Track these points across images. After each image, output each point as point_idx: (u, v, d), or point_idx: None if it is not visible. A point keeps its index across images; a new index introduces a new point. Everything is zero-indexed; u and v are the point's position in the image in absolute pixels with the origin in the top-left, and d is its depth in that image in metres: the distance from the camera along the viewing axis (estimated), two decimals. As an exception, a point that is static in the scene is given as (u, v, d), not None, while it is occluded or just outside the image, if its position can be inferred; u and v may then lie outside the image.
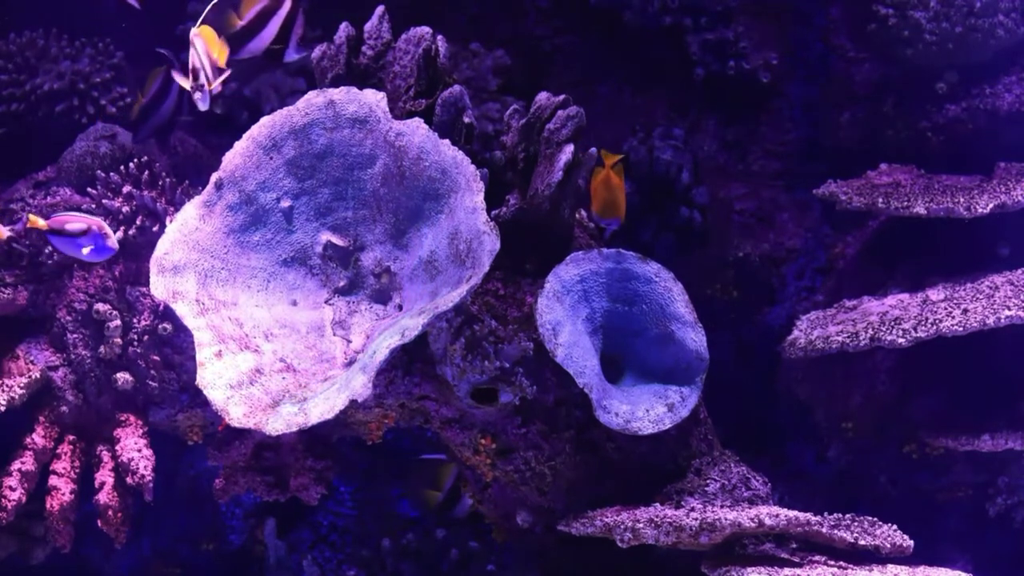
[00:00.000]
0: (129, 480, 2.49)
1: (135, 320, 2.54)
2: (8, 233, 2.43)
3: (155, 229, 2.52)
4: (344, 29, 2.48)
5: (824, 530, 2.18)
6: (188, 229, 2.33)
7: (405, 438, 2.92)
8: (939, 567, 2.17)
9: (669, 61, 3.08)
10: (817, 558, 2.23)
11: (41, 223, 2.27)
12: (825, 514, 2.31)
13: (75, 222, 2.27)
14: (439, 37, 2.43)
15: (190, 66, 2.25)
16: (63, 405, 2.56)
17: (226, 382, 2.20)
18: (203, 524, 2.89)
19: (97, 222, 2.27)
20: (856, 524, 2.28)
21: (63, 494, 2.51)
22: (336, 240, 2.38)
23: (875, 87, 3.02)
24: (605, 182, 2.46)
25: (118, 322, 2.53)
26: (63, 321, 2.56)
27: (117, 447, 2.52)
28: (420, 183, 2.28)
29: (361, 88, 2.37)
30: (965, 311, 2.47)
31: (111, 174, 2.60)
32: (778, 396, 3.00)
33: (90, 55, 2.83)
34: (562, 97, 2.39)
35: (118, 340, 2.53)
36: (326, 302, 2.37)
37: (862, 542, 2.19)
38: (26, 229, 2.35)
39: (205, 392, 2.20)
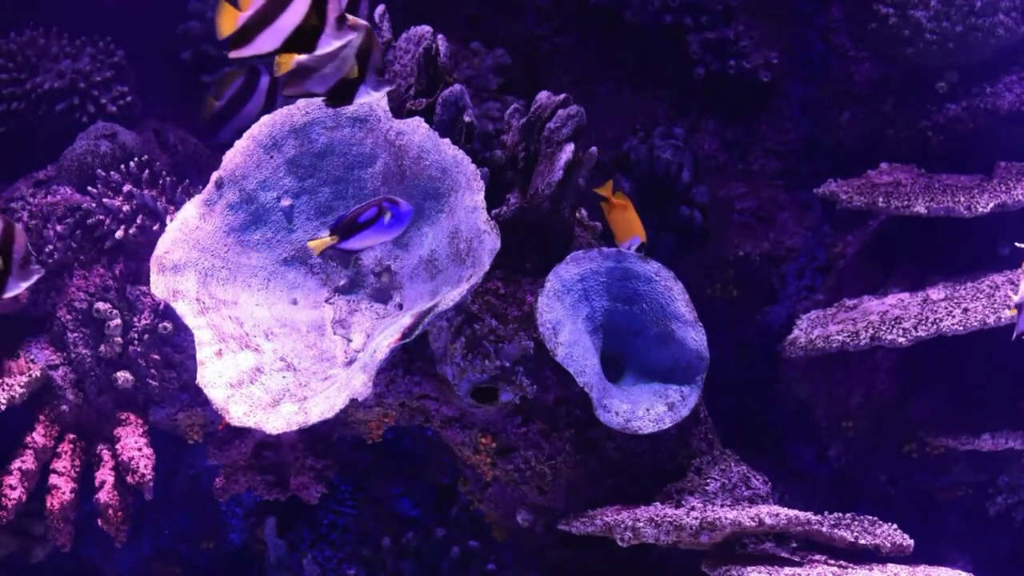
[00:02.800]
0: (129, 479, 2.49)
1: (135, 319, 2.54)
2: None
3: (155, 228, 2.52)
4: (345, 28, 2.47)
5: (824, 529, 2.19)
6: (188, 228, 2.33)
7: (405, 437, 2.92)
8: (939, 567, 2.17)
9: (669, 60, 3.08)
10: (817, 557, 2.23)
11: (331, 240, 2.10)
12: (825, 513, 2.31)
13: (363, 212, 2.10)
14: (439, 36, 2.43)
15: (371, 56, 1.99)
16: (63, 404, 2.56)
17: (226, 381, 2.20)
18: (203, 523, 2.89)
19: (377, 201, 2.11)
20: (856, 523, 2.28)
21: (63, 493, 2.51)
22: (336, 239, 2.37)
23: (875, 86, 3.02)
24: (614, 210, 2.47)
25: (118, 321, 2.53)
26: (63, 320, 2.56)
27: (117, 446, 2.52)
28: (420, 182, 2.28)
29: (361, 87, 2.37)
30: (965, 310, 2.47)
31: (111, 173, 2.60)
32: (778, 396, 3.00)
33: (90, 54, 2.82)
34: (562, 96, 2.39)
35: (118, 339, 2.53)
36: (326, 301, 2.37)
37: (862, 541, 2.19)
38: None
39: (205, 391, 2.20)
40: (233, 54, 1.87)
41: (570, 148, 2.33)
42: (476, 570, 2.62)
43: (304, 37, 1.86)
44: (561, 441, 2.37)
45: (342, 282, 2.38)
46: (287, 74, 1.99)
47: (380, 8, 2.50)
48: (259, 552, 2.85)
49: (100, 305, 2.53)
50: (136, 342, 2.53)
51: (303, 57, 1.97)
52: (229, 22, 1.85)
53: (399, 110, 2.40)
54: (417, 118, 2.30)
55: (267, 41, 1.86)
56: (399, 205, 2.11)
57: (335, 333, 2.33)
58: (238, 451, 2.49)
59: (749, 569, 2.11)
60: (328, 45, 1.88)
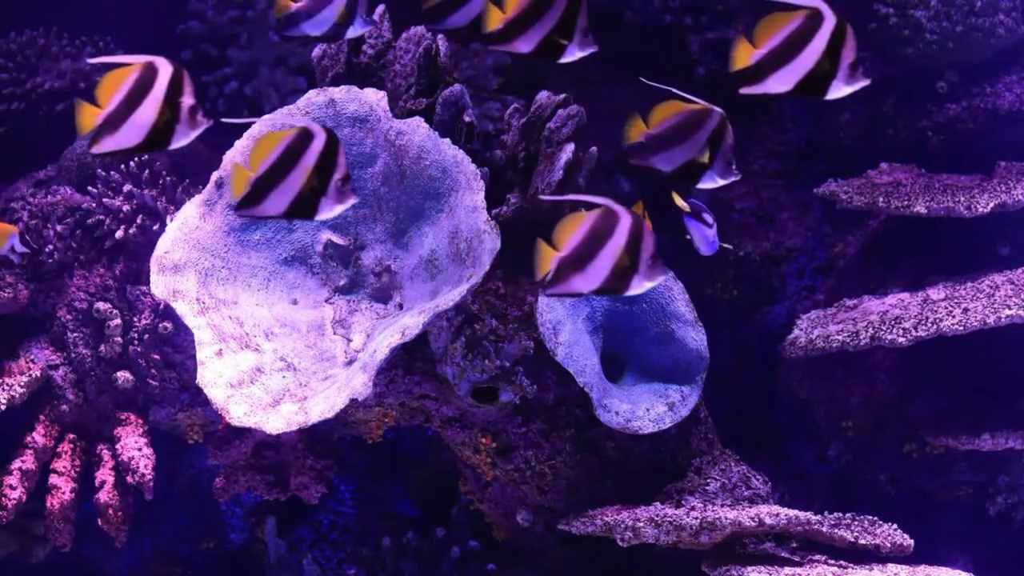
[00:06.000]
0: (129, 479, 2.49)
1: (135, 319, 2.54)
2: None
3: (155, 228, 2.52)
4: (345, 28, 2.47)
5: (824, 529, 2.18)
6: (188, 228, 2.33)
7: (406, 437, 2.92)
8: (939, 567, 2.17)
9: (670, 60, 3.08)
10: (817, 557, 2.23)
11: (684, 205, 2.15)
12: (825, 513, 2.31)
13: (708, 215, 2.17)
14: (439, 36, 2.43)
15: None
16: (63, 404, 2.56)
17: (226, 381, 2.20)
18: (203, 523, 2.89)
19: (708, 210, 2.18)
20: (856, 523, 2.28)
21: (63, 493, 2.51)
22: (336, 239, 2.37)
23: (875, 86, 3.01)
24: None
25: (118, 321, 2.53)
26: (63, 320, 2.56)
27: (117, 446, 2.52)
28: (420, 182, 2.28)
29: (362, 87, 2.37)
30: (966, 310, 2.47)
31: (112, 172, 2.60)
32: (778, 395, 2.99)
33: (90, 54, 2.82)
34: (562, 96, 2.39)
35: (118, 339, 2.53)
36: (326, 301, 2.37)
37: (862, 541, 2.19)
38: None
39: (205, 391, 2.20)
40: (744, 90, 1.84)
41: (570, 148, 2.33)
42: (476, 570, 2.62)
43: (817, 81, 1.82)
44: (561, 441, 2.37)
45: (342, 282, 2.38)
46: (632, 144, 1.97)
47: (380, 8, 2.50)
48: (259, 552, 2.85)
49: (100, 305, 2.53)
50: (136, 342, 2.53)
51: (653, 130, 1.94)
52: (743, 57, 1.83)
53: (399, 110, 2.40)
54: (417, 118, 2.30)
55: (780, 81, 1.83)
56: (713, 228, 2.19)
57: (335, 333, 2.33)
58: (238, 451, 2.49)
59: (749, 569, 2.11)
60: (838, 91, 1.84)
